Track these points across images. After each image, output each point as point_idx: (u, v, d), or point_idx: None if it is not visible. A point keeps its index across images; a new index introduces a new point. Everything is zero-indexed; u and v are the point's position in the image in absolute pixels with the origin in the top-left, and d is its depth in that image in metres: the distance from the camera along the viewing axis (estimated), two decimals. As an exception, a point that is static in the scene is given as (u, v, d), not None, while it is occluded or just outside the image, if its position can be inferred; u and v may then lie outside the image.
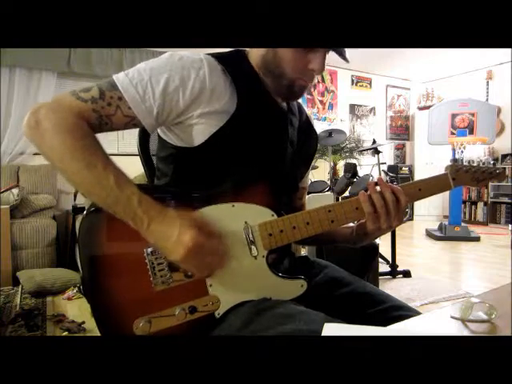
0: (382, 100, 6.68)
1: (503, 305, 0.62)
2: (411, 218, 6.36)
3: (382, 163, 4.56)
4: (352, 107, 6.31)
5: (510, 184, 5.62)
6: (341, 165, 5.28)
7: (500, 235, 5.00)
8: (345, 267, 0.96)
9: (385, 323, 0.69)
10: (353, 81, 6.30)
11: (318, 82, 5.82)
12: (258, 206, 0.74)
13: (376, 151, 3.78)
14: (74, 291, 2.60)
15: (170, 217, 0.64)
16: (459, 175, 0.83)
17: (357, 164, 4.28)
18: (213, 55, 0.77)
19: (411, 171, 6.59)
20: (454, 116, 5.37)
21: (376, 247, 2.20)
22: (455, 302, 0.93)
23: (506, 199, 5.71)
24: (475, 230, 4.97)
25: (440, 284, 2.91)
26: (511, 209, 5.62)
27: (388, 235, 3.20)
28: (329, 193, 3.53)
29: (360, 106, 6.39)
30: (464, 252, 4.12)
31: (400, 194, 0.76)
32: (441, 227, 4.89)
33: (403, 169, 6.45)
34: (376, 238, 0.85)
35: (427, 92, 6.72)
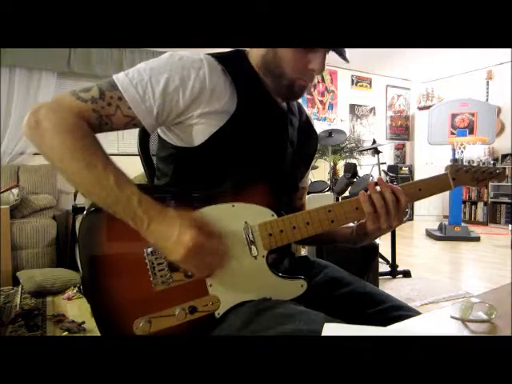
0: (382, 100, 6.68)
1: (503, 305, 0.62)
2: (411, 218, 6.36)
3: (382, 163, 4.56)
4: (352, 107, 6.31)
5: (509, 184, 5.62)
6: (341, 165, 5.29)
7: (500, 235, 5.00)
8: (345, 267, 0.96)
9: (385, 323, 0.69)
10: (353, 81, 6.29)
11: (318, 81, 5.82)
12: (258, 206, 0.74)
13: (376, 151, 3.78)
14: (74, 291, 2.60)
15: (170, 217, 0.65)
16: (459, 175, 0.83)
17: (357, 164, 4.27)
18: (213, 55, 0.77)
19: (411, 171, 6.59)
20: (453, 116, 5.37)
21: (376, 247, 2.20)
22: (455, 302, 0.93)
23: (506, 199, 5.71)
24: (475, 230, 4.97)
25: (440, 284, 2.91)
26: (511, 209, 5.62)
27: (388, 235, 3.20)
28: (329, 193, 3.53)
29: (360, 106, 6.39)
30: (464, 252, 4.12)
31: (400, 194, 0.76)
32: (441, 227, 4.89)
33: (403, 169, 6.45)
34: (376, 237, 0.85)
35: (427, 92, 6.72)
